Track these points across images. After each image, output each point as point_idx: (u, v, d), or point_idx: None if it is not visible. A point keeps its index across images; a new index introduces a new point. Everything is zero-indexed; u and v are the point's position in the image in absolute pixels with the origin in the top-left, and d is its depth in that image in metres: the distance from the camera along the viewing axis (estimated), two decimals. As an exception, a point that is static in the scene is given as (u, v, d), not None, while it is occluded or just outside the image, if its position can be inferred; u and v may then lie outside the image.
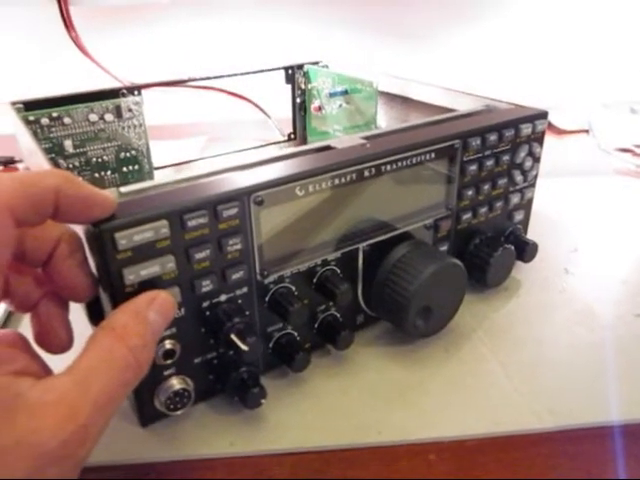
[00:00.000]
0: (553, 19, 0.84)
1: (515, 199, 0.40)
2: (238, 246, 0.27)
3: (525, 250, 0.40)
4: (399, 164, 0.32)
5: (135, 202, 0.25)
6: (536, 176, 0.41)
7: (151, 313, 0.23)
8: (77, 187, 0.22)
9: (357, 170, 0.30)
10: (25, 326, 0.37)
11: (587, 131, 0.75)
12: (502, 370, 0.32)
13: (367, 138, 0.33)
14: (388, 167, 0.31)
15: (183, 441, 0.28)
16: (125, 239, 0.24)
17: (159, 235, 0.24)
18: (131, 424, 0.29)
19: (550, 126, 0.75)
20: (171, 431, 0.28)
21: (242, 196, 0.26)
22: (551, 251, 0.44)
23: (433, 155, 0.33)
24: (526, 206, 0.41)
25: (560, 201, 0.54)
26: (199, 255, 0.26)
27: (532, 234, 0.42)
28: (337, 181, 0.29)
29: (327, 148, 0.32)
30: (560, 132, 0.75)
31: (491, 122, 0.36)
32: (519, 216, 0.41)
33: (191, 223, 0.25)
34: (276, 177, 0.27)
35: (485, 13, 0.84)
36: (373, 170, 0.31)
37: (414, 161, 0.32)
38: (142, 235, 0.24)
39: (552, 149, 0.69)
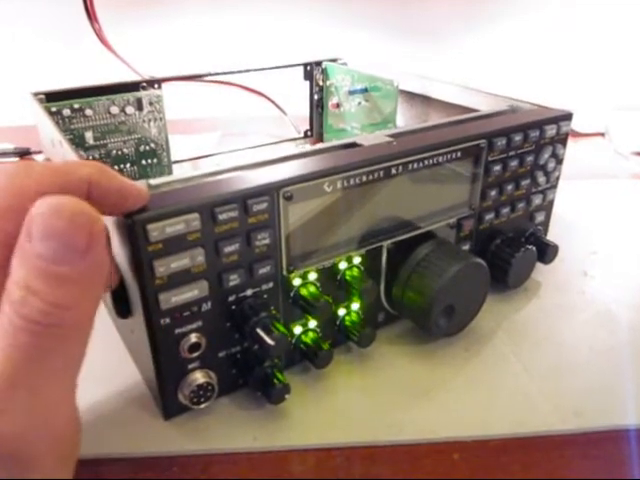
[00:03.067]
0: (570, 22, 0.84)
1: (537, 200, 0.40)
2: (266, 241, 0.27)
3: (546, 252, 0.40)
4: (426, 162, 0.31)
5: (166, 195, 0.25)
6: (558, 178, 0.40)
7: (37, 245, 0.17)
8: (111, 178, 0.22)
9: (385, 168, 0.30)
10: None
11: (603, 134, 0.74)
12: (524, 371, 0.32)
13: (393, 136, 0.33)
14: (415, 165, 0.31)
15: (206, 435, 0.28)
16: (157, 231, 0.24)
17: (190, 228, 0.24)
18: (154, 417, 0.29)
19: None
20: (194, 424, 0.28)
21: (272, 191, 0.26)
22: (570, 253, 0.44)
23: (459, 154, 0.33)
24: (547, 207, 0.41)
25: (578, 203, 0.54)
26: (228, 249, 0.26)
27: (551, 236, 0.42)
28: (364, 178, 0.29)
29: (353, 145, 0.32)
30: (576, 135, 0.75)
31: (517, 122, 0.36)
32: (540, 217, 0.41)
33: (222, 217, 0.25)
34: (306, 172, 0.27)
35: (503, 15, 0.84)
36: (400, 168, 0.31)
37: (440, 160, 0.32)
38: (174, 227, 0.24)
39: (568, 152, 0.69)
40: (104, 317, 0.36)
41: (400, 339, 0.35)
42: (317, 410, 0.29)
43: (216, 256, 0.26)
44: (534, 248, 0.38)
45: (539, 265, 0.41)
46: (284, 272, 0.29)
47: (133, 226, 0.23)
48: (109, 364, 0.32)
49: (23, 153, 0.64)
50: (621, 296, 0.39)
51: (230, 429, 0.28)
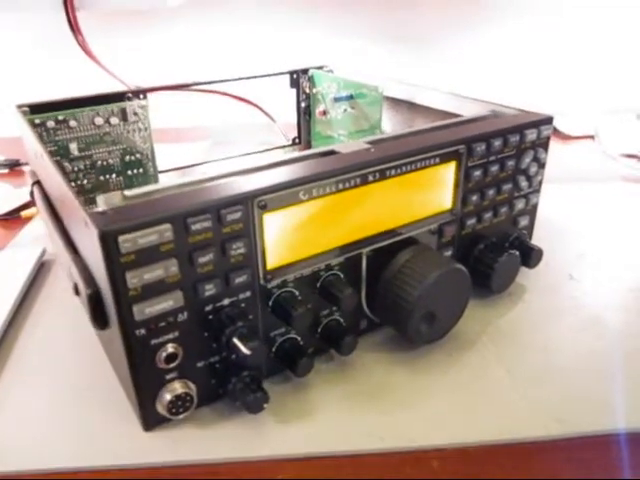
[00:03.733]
0: (559, 25, 0.84)
1: (520, 204, 0.40)
2: (242, 250, 0.27)
3: (530, 256, 0.40)
4: (404, 169, 0.31)
5: (139, 206, 0.25)
6: (541, 182, 0.40)
7: None
8: None
9: (361, 175, 0.30)
10: (25, 337, 0.37)
11: (593, 137, 0.74)
12: (507, 376, 0.32)
13: (372, 143, 0.33)
14: (393, 172, 0.31)
15: (186, 446, 0.28)
16: (129, 242, 0.24)
17: (163, 239, 0.24)
18: (134, 428, 0.29)
19: (555, 132, 0.75)
20: (174, 435, 0.28)
21: (246, 200, 0.26)
22: (556, 257, 0.44)
23: (438, 160, 0.33)
24: (531, 211, 0.41)
25: (566, 207, 0.54)
26: (202, 259, 0.26)
27: (537, 239, 0.42)
28: (341, 185, 0.29)
29: (331, 153, 0.32)
30: (566, 138, 0.75)
31: (496, 127, 0.36)
32: (524, 221, 0.41)
33: (195, 227, 0.25)
34: (279, 181, 0.27)
35: (491, 19, 0.84)
36: (377, 175, 0.31)
37: (419, 166, 0.32)
38: (146, 239, 0.24)
39: (558, 155, 0.69)
40: (89, 327, 0.36)
41: (382, 346, 0.34)
42: (297, 419, 0.29)
43: (190, 266, 0.26)
44: (517, 253, 0.38)
45: (524, 269, 0.41)
46: (261, 281, 0.29)
47: (105, 237, 0.23)
48: (92, 375, 0.32)
49: (13, 165, 0.64)
50: (608, 299, 0.39)
51: (210, 439, 0.28)
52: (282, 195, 0.27)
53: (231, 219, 0.26)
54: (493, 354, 0.34)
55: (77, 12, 0.42)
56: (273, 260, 0.29)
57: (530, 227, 0.42)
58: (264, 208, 0.27)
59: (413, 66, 0.84)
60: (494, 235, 0.39)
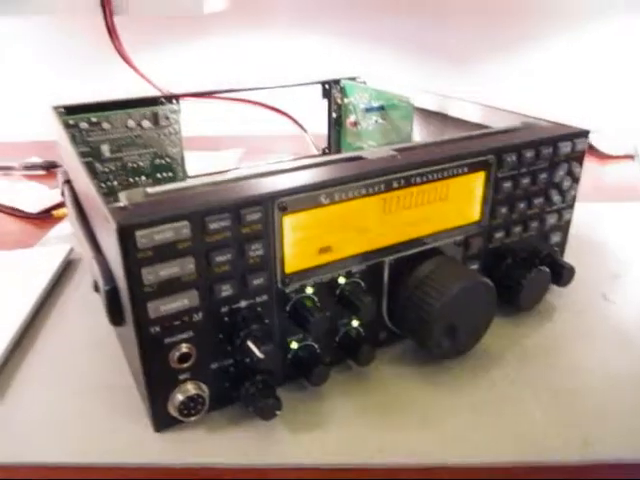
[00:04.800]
0: (598, 44, 0.82)
1: (552, 220, 0.38)
2: (260, 252, 0.27)
3: (561, 274, 0.38)
4: (430, 177, 0.31)
5: (158, 202, 0.25)
6: (574, 197, 0.39)
7: None
8: None
9: (385, 181, 0.29)
10: (46, 332, 0.37)
11: (632, 157, 0.72)
12: (532, 397, 0.31)
13: (398, 150, 0.32)
14: (418, 179, 0.30)
15: (194, 448, 0.27)
16: (145, 238, 0.23)
17: (180, 236, 0.24)
18: (145, 428, 0.28)
19: (594, 151, 0.73)
20: (184, 437, 0.28)
21: (266, 201, 0.26)
22: (590, 276, 0.42)
23: (466, 169, 0.32)
24: (564, 228, 0.40)
25: (603, 226, 0.52)
26: (220, 258, 0.26)
27: (571, 257, 0.41)
28: (364, 191, 0.29)
29: (358, 158, 0.32)
30: (604, 157, 0.73)
31: (528, 138, 0.35)
32: (556, 238, 0.39)
33: (213, 225, 0.25)
34: (301, 184, 0.27)
35: (527, 37, 0.83)
36: (402, 181, 0.30)
37: (445, 175, 0.31)
38: (163, 235, 0.24)
39: (596, 174, 0.67)
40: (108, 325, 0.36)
41: (402, 360, 0.33)
42: (309, 429, 0.28)
43: (207, 266, 0.26)
44: (547, 269, 0.37)
45: (555, 287, 0.40)
46: (279, 285, 0.28)
47: (122, 232, 0.23)
48: (107, 373, 0.32)
49: (49, 166, 0.66)
50: (641, 322, 0.37)
51: (220, 444, 0.28)
52: (303, 197, 0.27)
53: (250, 219, 0.26)
54: (518, 373, 0.32)
55: (114, 17, 0.43)
56: (292, 264, 0.28)
57: (562, 244, 0.41)
58: (284, 210, 0.27)
59: (448, 82, 0.83)
60: (524, 250, 0.37)
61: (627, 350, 0.34)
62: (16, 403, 0.30)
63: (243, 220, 0.26)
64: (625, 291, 0.41)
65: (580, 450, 0.27)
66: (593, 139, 0.75)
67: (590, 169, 0.68)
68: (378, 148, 0.33)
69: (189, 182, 0.29)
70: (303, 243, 0.28)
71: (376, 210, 0.30)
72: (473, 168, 0.32)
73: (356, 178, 0.28)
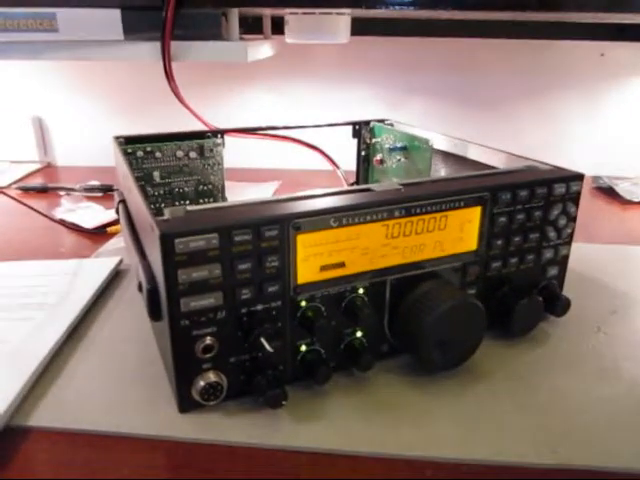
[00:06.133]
0: (618, 95, 0.86)
1: (548, 254, 0.42)
2: (275, 263, 0.32)
3: (556, 304, 0.42)
4: (428, 208, 0.35)
5: (195, 218, 0.31)
6: (571, 234, 0.43)
7: None
8: None
9: (388, 209, 0.34)
10: (95, 329, 0.43)
11: (654, 204, 0.74)
12: (514, 409, 0.34)
13: (405, 185, 0.37)
14: (418, 210, 0.35)
15: (211, 427, 0.32)
16: (182, 244, 0.29)
17: (210, 245, 0.30)
18: (171, 409, 0.33)
19: (617, 197, 0.75)
20: (203, 419, 0.33)
21: (282, 221, 0.31)
22: (589, 311, 0.45)
23: (462, 204, 0.36)
24: (561, 262, 0.43)
25: (611, 267, 0.54)
26: (242, 266, 0.31)
27: (576, 293, 0.43)
28: (369, 217, 0.34)
29: (367, 190, 0.37)
30: (626, 203, 0.75)
31: (524, 179, 0.39)
32: (553, 271, 0.43)
33: (237, 238, 0.30)
34: (313, 208, 0.32)
35: (552, 86, 0.87)
36: (403, 211, 0.35)
37: (443, 207, 0.36)
38: (196, 243, 0.29)
39: (614, 218, 0.70)
40: (148, 325, 0.42)
41: (400, 370, 0.37)
42: (310, 419, 0.33)
43: (231, 271, 0.31)
44: (540, 298, 0.40)
45: (552, 319, 0.43)
46: (291, 293, 0.33)
47: (164, 239, 0.29)
48: (144, 364, 0.38)
49: (106, 189, 0.73)
50: (632, 353, 0.40)
51: (232, 426, 0.32)
52: (315, 220, 0.32)
53: (269, 235, 0.31)
54: (504, 388, 0.36)
55: (172, 62, 0.51)
56: (303, 276, 0.33)
57: (560, 278, 0.44)
58: (298, 229, 0.32)
59: (481, 129, 0.88)
60: (522, 280, 0.41)
61: (609, 379, 0.37)
62: (68, 382, 0.36)
63: (262, 236, 0.31)
64: (619, 325, 0.44)
65: (547, 457, 0.30)
66: (616, 186, 0.78)
67: (609, 213, 0.71)
68: (388, 182, 0.38)
69: (221, 203, 0.34)
70: (313, 259, 0.33)
71: (379, 235, 0.35)
72: (469, 203, 0.37)
73: (362, 206, 0.33)
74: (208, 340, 0.31)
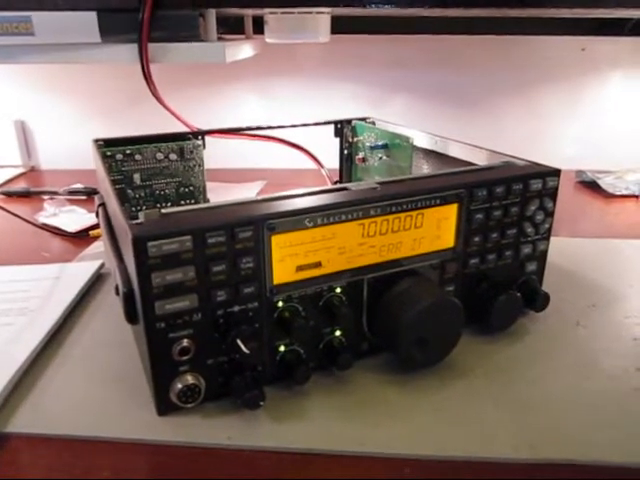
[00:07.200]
0: (609, 91, 0.87)
1: (526, 249, 0.42)
2: (251, 264, 0.32)
3: (535, 299, 0.42)
4: (404, 207, 0.35)
5: (169, 220, 0.31)
6: (549, 229, 0.43)
7: None
8: None
9: (363, 209, 0.34)
10: (76, 332, 0.43)
11: (637, 197, 0.75)
12: (492, 404, 0.34)
13: (381, 183, 0.37)
14: (394, 208, 0.35)
15: (190, 430, 0.32)
16: (155, 248, 0.29)
17: (183, 247, 0.30)
18: (149, 412, 0.33)
19: (601, 191, 0.76)
20: (181, 421, 0.33)
21: (257, 222, 0.31)
22: (568, 305, 0.46)
23: (438, 201, 0.37)
24: (539, 258, 0.43)
25: (596, 261, 0.55)
26: (216, 268, 0.31)
27: (556, 287, 0.44)
28: (344, 217, 0.34)
29: (343, 189, 0.37)
30: (609, 196, 0.76)
31: (499, 176, 0.39)
32: (531, 266, 0.43)
33: (211, 240, 0.30)
34: (288, 209, 0.32)
35: (532, 83, 0.88)
36: (379, 210, 0.35)
37: (419, 205, 0.36)
38: (169, 246, 0.29)
39: (597, 212, 0.70)
40: (128, 328, 0.41)
41: (380, 368, 0.38)
42: (289, 419, 0.33)
43: (206, 274, 0.31)
44: (518, 293, 0.40)
45: (533, 314, 0.43)
46: (268, 294, 0.33)
47: (136, 242, 0.29)
48: (123, 367, 0.38)
49: (90, 192, 0.73)
50: (608, 347, 0.40)
51: (210, 428, 0.32)
52: (289, 220, 0.32)
53: (243, 237, 0.31)
54: (483, 384, 0.36)
55: (150, 64, 0.50)
56: (279, 276, 0.33)
57: (539, 273, 0.44)
58: (272, 230, 0.32)
59: (463, 127, 0.88)
60: (500, 276, 0.41)
61: (588, 373, 0.38)
62: (47, 386, 0.36)
63: (236, 237, 0.31)
64: (598, 318, 0.44)
65: (525, 451, 0.31)
66: (598, 179, 0.78)
67: (593, 207, 0.71)
68: (365, 181, 0.38)
69: (197, 205, 0.34)
70: (289, 259, 0.33)
71: (355, 234, 0.35)
72: (446, 200, 0.37)
73: (336, 206, 0.33)
74: (185, 342, 0.31)
